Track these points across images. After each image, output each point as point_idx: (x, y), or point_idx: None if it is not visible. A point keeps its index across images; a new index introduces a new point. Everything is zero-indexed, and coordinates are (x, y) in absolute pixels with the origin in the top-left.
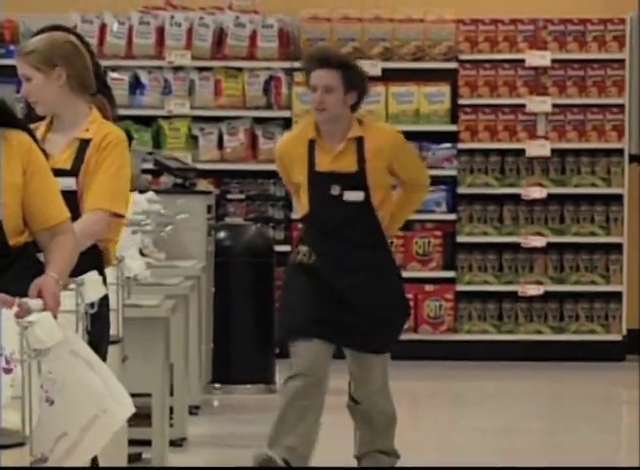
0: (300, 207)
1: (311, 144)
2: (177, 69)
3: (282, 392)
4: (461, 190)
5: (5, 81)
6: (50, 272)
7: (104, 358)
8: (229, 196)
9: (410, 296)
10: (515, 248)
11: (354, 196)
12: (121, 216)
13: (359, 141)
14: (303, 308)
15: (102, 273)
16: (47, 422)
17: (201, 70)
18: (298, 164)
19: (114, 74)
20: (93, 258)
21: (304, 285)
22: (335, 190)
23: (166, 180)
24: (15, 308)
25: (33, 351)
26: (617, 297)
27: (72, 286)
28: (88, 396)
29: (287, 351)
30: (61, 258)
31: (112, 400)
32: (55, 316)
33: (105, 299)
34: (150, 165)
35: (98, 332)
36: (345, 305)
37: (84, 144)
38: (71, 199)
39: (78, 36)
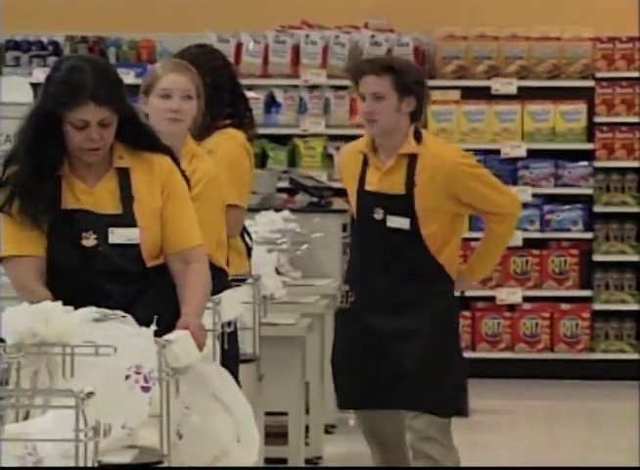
0: None
1: (365, 158)
2: (313, 87)
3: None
4: (597, 208)
5: None
6: (189, 316)
7: (236, 377)
8: None
9: (546, 314)
10: None
11: (398, 222)
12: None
13: (412, 159)
14: (345, 374)
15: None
16: (173, 455)
17: (336, 88)
18: (352, 180)
19: (251, 93)
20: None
21: (343, 342)
22: (378, 214)
23: (302, 199)
24: (153, 327)
25: (171, 369)
26: None
27: (210, 305)
28: (215, 438)
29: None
30: (196, 295)
31: (237, 445)
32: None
33: None
34: (285, 184)
35: (231, 351)
36: (384, 353)
37: None
38: None
39: (221, 56)
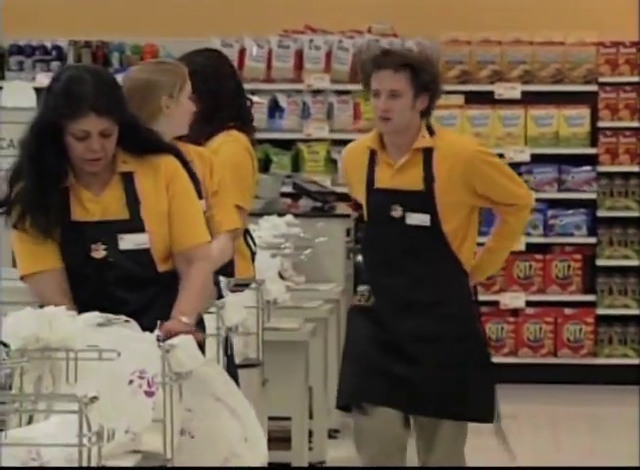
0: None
1: (372, 155)
2: (316, 92)
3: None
4: (601, 213)
5: None
6: (178, 315)
7: (236, 380)
8: None
9: (550, 319)
10: None
11: (419, 219)
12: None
13: (427, 153)
14: (360, 369)
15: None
16: (184, 457)
17: (339, 93)
18: (358, 178)
19: (255, 98)
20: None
21: (363, 336)
22: (396, 211)
23: (305, 203)
24: (157, 332)
25: (175, 374)
26: None
27: (213, 309)
28: (223, 440)
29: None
30: (191, 296)
31: (245, 446)
32: None
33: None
34: (289, 189)
35: (230, 355)
36: (406, 356)
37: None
38: None
39: (229, 61)
